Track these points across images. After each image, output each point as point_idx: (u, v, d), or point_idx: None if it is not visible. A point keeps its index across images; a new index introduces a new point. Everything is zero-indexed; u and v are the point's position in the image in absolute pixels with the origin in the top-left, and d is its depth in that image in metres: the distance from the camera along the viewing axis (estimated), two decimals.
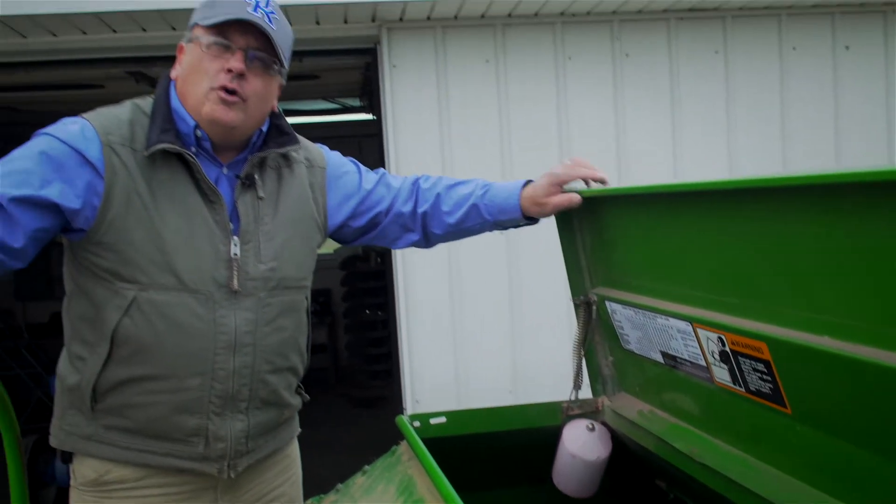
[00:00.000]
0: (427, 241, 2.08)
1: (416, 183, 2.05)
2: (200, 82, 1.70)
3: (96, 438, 1.75)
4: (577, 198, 1.94)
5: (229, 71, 1.68)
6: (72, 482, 1.81)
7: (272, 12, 1.73)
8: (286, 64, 1.76)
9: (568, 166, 1.97)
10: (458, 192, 2.03)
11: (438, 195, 2.02)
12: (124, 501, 1.76)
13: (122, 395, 1.72)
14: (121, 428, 1.74)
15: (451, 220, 2.02)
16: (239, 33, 1.69)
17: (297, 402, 1.98)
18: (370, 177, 2.04)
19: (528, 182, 2.00)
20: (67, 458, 1.81)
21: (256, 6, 1.70)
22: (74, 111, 1.79)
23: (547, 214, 2.00)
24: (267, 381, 1.81)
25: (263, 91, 1.74)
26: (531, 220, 2.02)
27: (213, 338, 1.72)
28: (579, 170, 1.96)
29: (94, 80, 5.34)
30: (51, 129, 1.67)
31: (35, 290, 7.75)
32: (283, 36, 1.75)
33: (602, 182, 1.95)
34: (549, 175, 1.96)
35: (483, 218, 2.01)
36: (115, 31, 3.77)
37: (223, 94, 1.68)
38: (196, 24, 1.73)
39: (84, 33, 3.77)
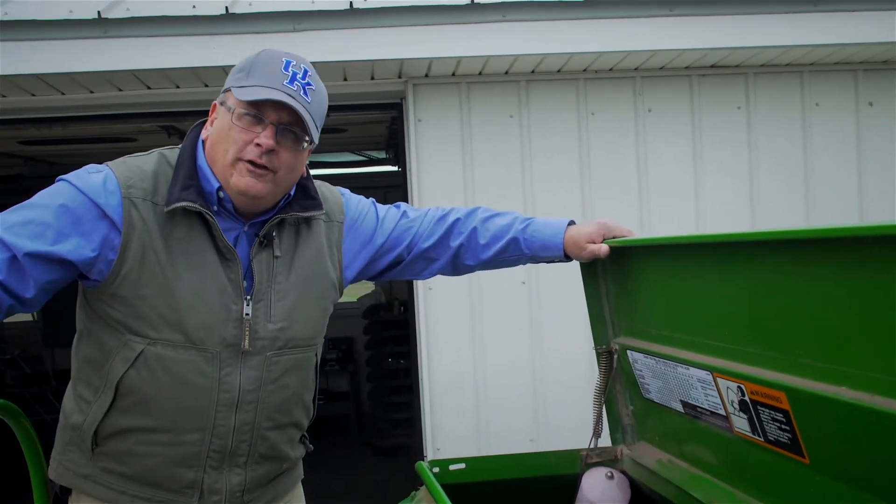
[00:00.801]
0: (455, 270, 2.06)
1: (443, 218, 2.02)
2: (228, 151, 1.68)
3: (93, 479, 1.77)
4: (605, 249, 1.95)
5: (258, 145, 1.66)
6: None
7: (308, 84, 1.70)
8: (317, 133, 1.74)
9: (617, 225, 1.98)
10: (495, 224, 2.01)
11: (475, 228, 2.00)
12: None
13: (121, 442, 1.74)
14: (118, 472, 1.76)
15: (488, 252, 2.00)
16: (272, 108, 1.67)
17: (299, 453, 1.97)
18: (390, 215, 2.01)
19: (572, 222, 2.00)
20: (66, 492, 1.83)
21: (293, 78, 1.67)
22: None
23: (582, 259, 2.01)
24: (267, 437, 1.81)
25: (293, 163, 1.72)
26: (569, 258, 2.02)
27: (216, 395, 1.72)
28: (627, 229, 1.99)
29: (127, 133, 5.49)
30: (74, 177, 1.67)
31: (62, 336, 7.83)
32: (318, 106, 1.73)
33: None
34: (600, 224, 1.97)
35: (521, 252, 2.00)
36: (149, 88, 3.89)
37: (251, 167, 1.67)
38: (230, 90, 1.71)
39: (119, 90, 3.90)
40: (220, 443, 1.75)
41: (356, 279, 2.01)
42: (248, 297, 1.74)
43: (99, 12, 3.39)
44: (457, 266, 2.05)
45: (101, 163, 1.73)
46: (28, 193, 1.68)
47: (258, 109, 1.67)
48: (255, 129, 1.67)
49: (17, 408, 1.90)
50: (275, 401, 1.80)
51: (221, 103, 1.73)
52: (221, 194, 1.72)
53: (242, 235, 1.77)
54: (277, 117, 1.68)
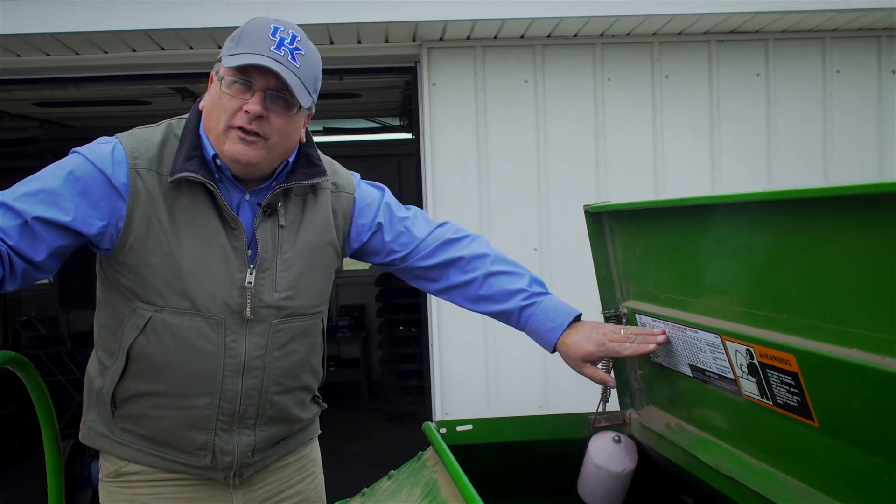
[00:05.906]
0: (442, 297, 2.01)
1: (448, 245, 1.97)
2: (220, 119, 1.70)
3: (113, 439, 1.84)
4: (612, 384, 1.95)
5: (247, 112, 1.67)
6: (100, 476, 1.90)
7: (297, 49, 1.69)
8: (310, 98, 1.73)
9: (621, 340, 1.86)
10: (501, 284, 1.94)
11: (477, 279, 1.94)
12: (143, 488, 1.84)
13: (136, 406, 1.80)
14: (135, 433, 1.82)
15: (482, 307, 1.96)
16: (259, 74, 1.67)
17: (310, 413, 1.99)
18: (399, 215, 1.98)
19: (578, 317, 1.90)
20: (94, 453, 1.90)
21: (280, 44, 1.67)
22: (122, 127, 1.84)
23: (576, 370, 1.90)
24: (275, 402, 1.84)
25: (286, 128, 1.72)
26: None
27: (223, 361, 1.76)
28: (631, 347, 1.86)
29: (141, 95, 5.48)
30: (84, 148, 1.72)
31: (78, 298, 7.93)
32: (309, 71, 1.72)
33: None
34: (598, 343, 1.84)
35: (514, 324, 1.95)
36: (162, 49, 3.87)
37: (242, 134, 1.68)
38: (220, 59, 1.73)
39: (133, 50, 3.88)
40: (229, 406, 1.79)
41: (354, 256, 2.01)
42: (252, 266, 1.76)
43: None
44: (446, 298, 2.01)
45: (115, 125, 1.78)
46: (43, 155, 1.71)
47: (246, 76, 1.68)
48: (243, 97, 1.68)
49: (27, 360, 1.92)
50: (281, 366, 1.83)
51: (216, 73, 1.75)
52: (218, 161, 1.74)
53: (245, 204, 1.79)
54: (265, 83, 1.68)
